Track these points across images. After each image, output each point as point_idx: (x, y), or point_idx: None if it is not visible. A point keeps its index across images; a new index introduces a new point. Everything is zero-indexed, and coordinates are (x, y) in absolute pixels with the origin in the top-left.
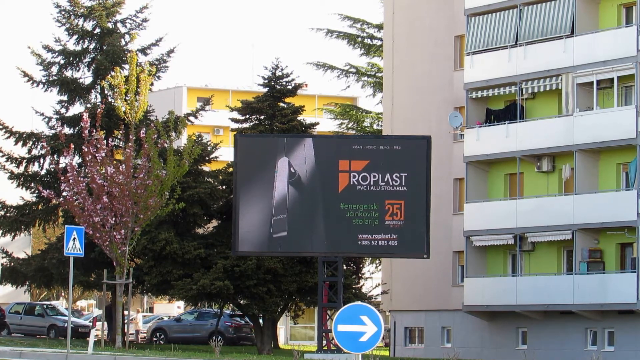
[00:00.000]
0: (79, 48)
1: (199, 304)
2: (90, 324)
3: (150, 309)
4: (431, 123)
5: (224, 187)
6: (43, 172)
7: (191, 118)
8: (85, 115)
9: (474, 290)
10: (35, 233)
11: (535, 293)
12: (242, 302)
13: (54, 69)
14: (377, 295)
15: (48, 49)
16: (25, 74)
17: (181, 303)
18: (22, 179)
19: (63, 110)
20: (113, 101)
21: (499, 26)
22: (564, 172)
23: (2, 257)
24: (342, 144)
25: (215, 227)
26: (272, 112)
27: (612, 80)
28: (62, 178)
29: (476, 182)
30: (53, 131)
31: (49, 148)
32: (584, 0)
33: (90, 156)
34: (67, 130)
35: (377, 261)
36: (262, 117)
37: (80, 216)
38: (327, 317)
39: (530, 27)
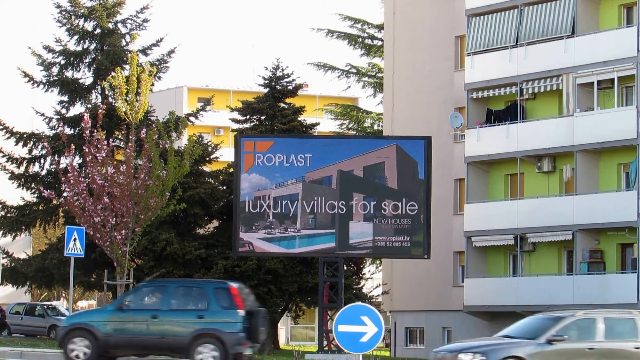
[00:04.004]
0: (79, 48)
1: None
2: None
3: None
4: (432, 123)
5: (224, 187)
6: (43, 172)
7: (192, 118)
8: (86, 116)
9: (474, 291)
10: (36, 233)
11: (535, 293)
12: None
13: (55, 70)
14: (378, 295)
15: (49, 49)
16: (26, 74)
17: None
18: (22, 180)
19: (63, 111)
20: (114, 101)
21: (500, 26)
22: (564, 172)
23: (3, 258)
24: (342, 145)
25: (216, 227)
26: (272, 113)
27: (612, 80)
28: (62, 178)
29: (477, 182)
30: (54, 131)
31: (49, 148)
32: (584, 0)
33: (90, 156)
34: (67, 130)
35: (378, 262)
36: (262, 117)
37: (80, 216)
38: (328, 317)
39: (530, 27)
